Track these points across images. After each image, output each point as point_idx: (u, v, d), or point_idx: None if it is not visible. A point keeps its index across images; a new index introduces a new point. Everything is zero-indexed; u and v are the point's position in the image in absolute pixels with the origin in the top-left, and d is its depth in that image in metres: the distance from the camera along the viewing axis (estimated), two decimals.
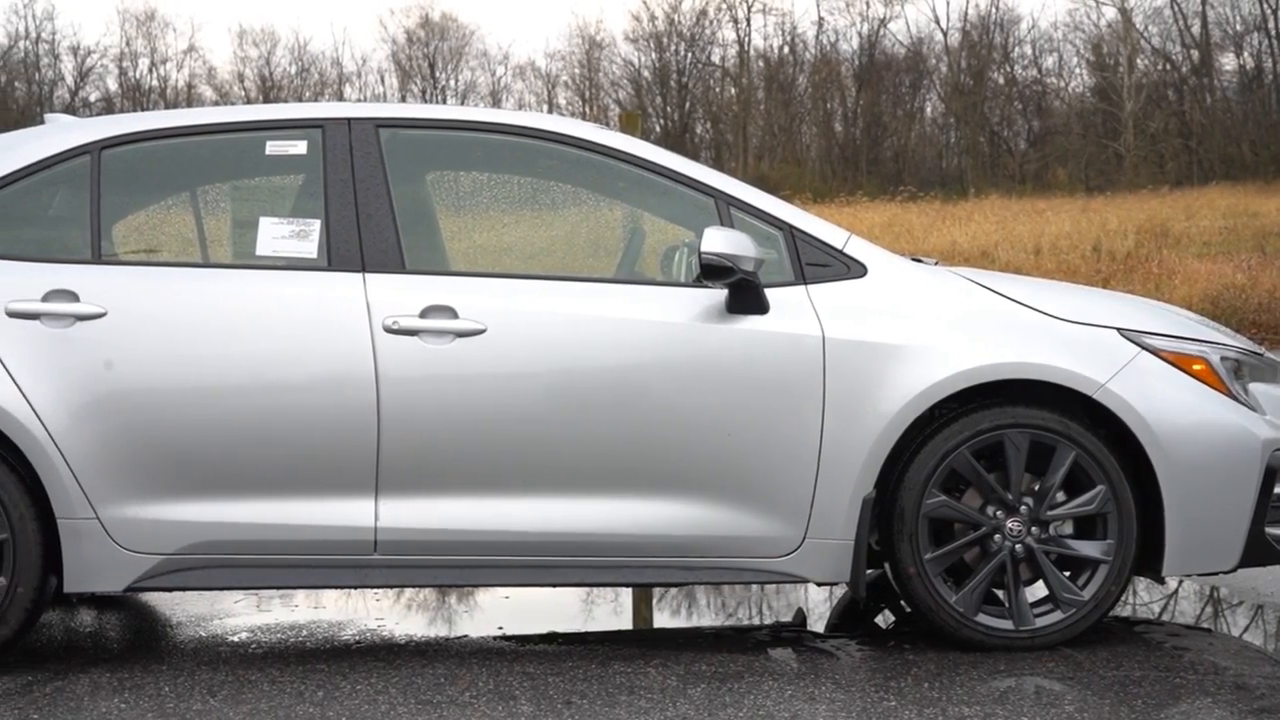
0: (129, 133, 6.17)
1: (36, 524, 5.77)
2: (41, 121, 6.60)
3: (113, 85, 76.22)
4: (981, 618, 5.97)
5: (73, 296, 5.81)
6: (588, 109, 74.46)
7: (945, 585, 5.97)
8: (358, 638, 6.47)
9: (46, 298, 5.81)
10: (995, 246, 27.24)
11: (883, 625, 6.70)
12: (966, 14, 76.61)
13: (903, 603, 6.48)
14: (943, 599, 5.93)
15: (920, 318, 5.96)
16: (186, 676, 5.84)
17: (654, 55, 76.03)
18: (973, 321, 5.98)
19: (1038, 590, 6.09)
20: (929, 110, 75.04)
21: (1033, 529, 5.96)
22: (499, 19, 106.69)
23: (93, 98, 73.87)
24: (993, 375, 5.90)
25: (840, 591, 7.19)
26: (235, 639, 6.47)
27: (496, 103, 74.66)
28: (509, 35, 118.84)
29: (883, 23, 75.91)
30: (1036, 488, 5.97)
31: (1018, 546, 5.96)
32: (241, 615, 6.93)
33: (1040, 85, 73.22)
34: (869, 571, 6.08)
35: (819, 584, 6.15)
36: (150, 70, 76.67)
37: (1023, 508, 5.95)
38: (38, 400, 5.73)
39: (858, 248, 6.09)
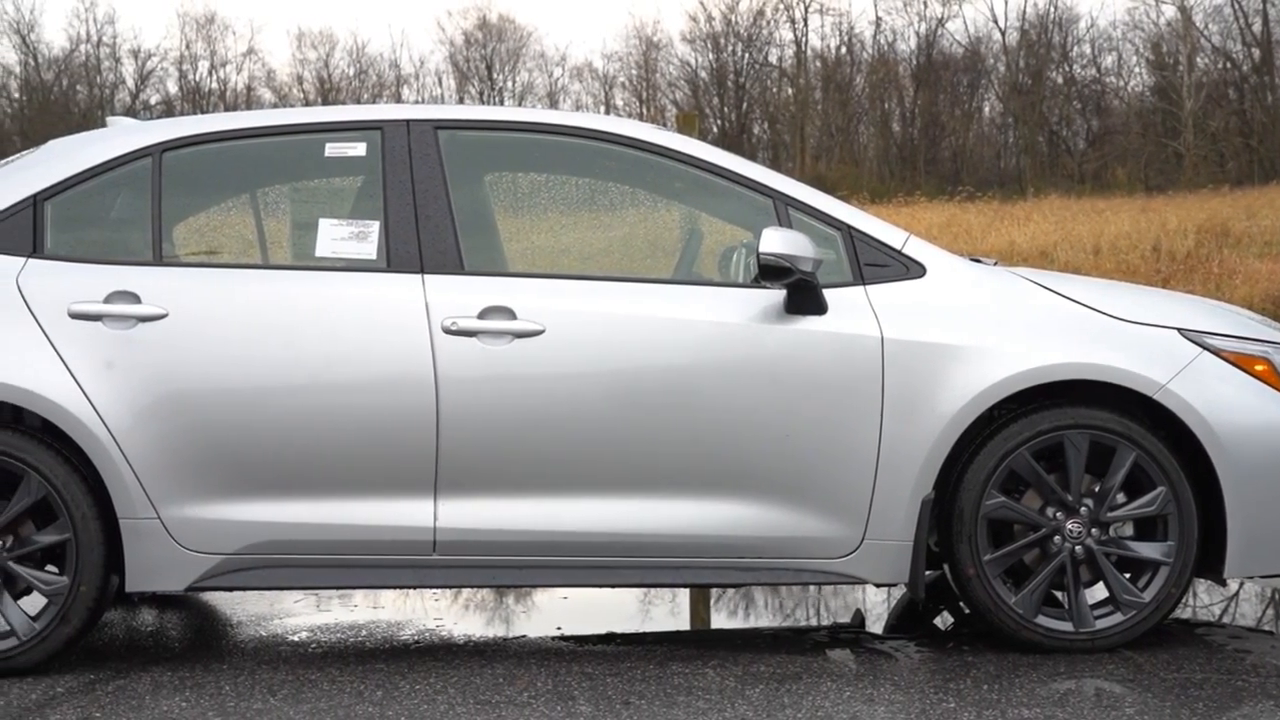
0: (189, 135, 6.21)
1: (99, 524, 5.82)
2: (103, 124, 6.65)
3: (173, 88, 76.68)
4: (1041, 619, 5.94)
5: (134, 298, 5.85)
6: (645, 110, 74.46)
7: (1004, 587, 5.94)
8: (416, 637, 6.49)
9: (109, 299, 5.86)
10: (1054, 246, 27.09)
11: (941, 627, 6.68)
12: (1025, 13, 76.19)
13: (961, 604, 6.46)
14: (1002, 600, 5.91)
15: (979, 318, 5.94)
16: (247, 675, 5.87)
17: (711, 56, 75.96)
18: (1032, 322, 5.96)
19: (1098, 592, 6.06)
20: (987, 110, 74.74)
21: (1093, 530, 5.93)
22: (556, 20, 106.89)
23: (153, 100, 74.32)
24: (1052, 376, 5.87)
25: (898, 593, 7.18)
26: (295, 638, 6.51)
27: (554, 104, 74.75)
28: (566, 36, 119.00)
29: (940, 22, 75.60)
30: (1097, 489, 5.94)
31: (1077, 548, 5.93)
32: (301, 615, 6.96)
33: (1099, 84, 72.83)
34: (928, 573, 6.06)
35: (877, 585, 6.14)
36: (210, 73, 77.10)
37: (1083, 509, 5.92)
38: (100, 401, 5.77)
39: (916, 248, 6.07)
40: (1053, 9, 76.37)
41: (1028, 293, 6.06)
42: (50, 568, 5.94)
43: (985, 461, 5.87)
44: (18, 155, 6.49)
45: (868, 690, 5.54)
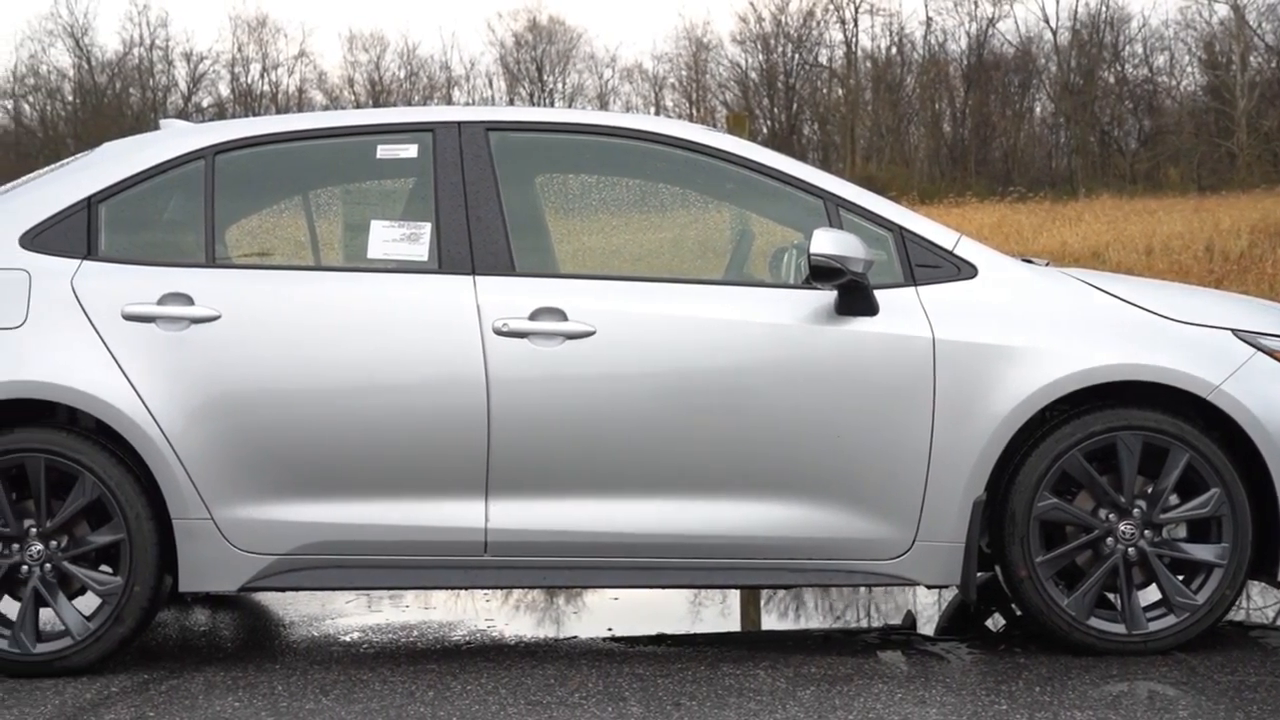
0: (242, 137, 6.24)
1: (152, 524, 5.85)
2: (156, 127, 6.68)
3: (225, 91, 76.96)
4: (1094, 621, 5.91)
5: (187, 300, 5.89)
6: (695, 111, 74.39)
7: (1057, 588, 5.92)
8: (468, 638, 6.51)
9: (162, 301, 5.89)
10: (1106, 247, 26.98)
11: (993, 628, 6.66)
12: (1076, 13, 75.52)
13: (1013, 606, 6.45)
14: (1054, 602, 5.89)
15: (1031, 319, 5.91)
16: (299, 676, 5.90)
17: (761, 57, 75.88)
18: (1085, 322, 5.93)
19: (1151, 594, 6.03)
20: (1038, 110, 74.41)
21: (1146, 532, 5.90)
22: (606, 22, 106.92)
23: (205, 103, 74.61)
24: (1105, 377, 5.85)
25: (950, 594, 7.15)
26: (347, 639, 6.53)
27: (604, 105, 74.77)
28: (616, 38, 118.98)
29: (991, 22, 75.37)
30: (1150, 490, 5.91)
31: (1130, 550, 5.90)
32: (353, 615, 6.99)
33: (1151, 84, 72.43)
34: (979, 574, 6.04)
35: (929, 587, 6.12)
36: (261, 75, 77.40)
37: (1135, 510, 5.90)
38: (153, 402, 5.80)
39: (968, 248, 6.05)
40: (1104, 8, 75.72)
41: (1080, 293, 6.04)
42: (104, 568, 5.97)
43: (1037, 463, 5.85)
44: (72, 158, 6.53)
45: (919, 692, 5.53)
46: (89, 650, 5.88)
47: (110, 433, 5.87)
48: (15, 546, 5.88)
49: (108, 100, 72.97)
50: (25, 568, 5.88)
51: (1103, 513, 5.91)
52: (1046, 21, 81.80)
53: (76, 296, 5.92)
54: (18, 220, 6.08)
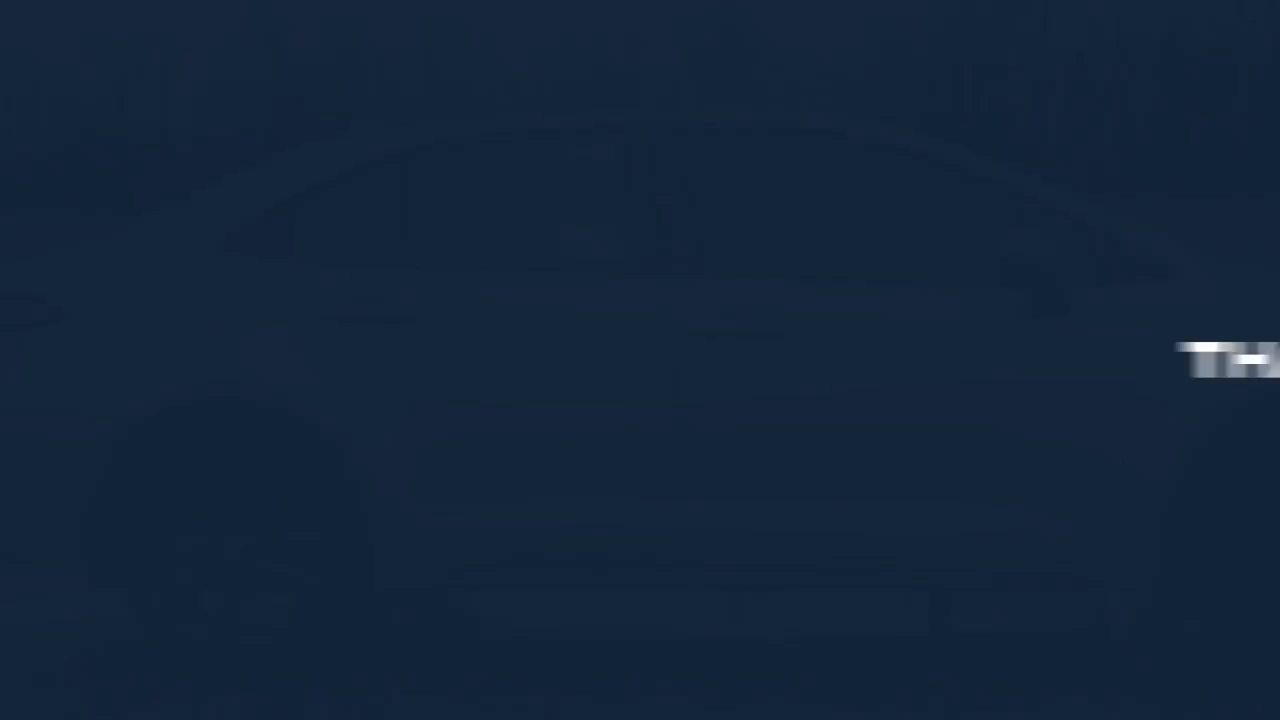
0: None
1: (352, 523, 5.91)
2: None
3: None
4: None
5: (383, 300, 5.95)
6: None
7: None
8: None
9: (359, 301, 5.95)
10: None
11: None
12: None
13: None
14: None
15: (1234, 318, 5.78)
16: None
17: None
18: None
19: None
20: None
21: None
22: None
23: None
24: None
25: None
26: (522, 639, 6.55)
27: None
28: None
29: None
30: None
31: None
32: (536, 617, 6.98)
33: None
34: None
35: None
36: None
37: None
38: (350, 402, 5.87)
39: (1167, 245, 5.95)
40: None
41: None
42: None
43: None
44: (265, 160, 6.61)
45: None
46: None
47: (307, 431, 5.95)
48: None
49: None
50: None
51: None
52: None
53: (277, 298, 6.00)
54: (217, 221, 6.18)
